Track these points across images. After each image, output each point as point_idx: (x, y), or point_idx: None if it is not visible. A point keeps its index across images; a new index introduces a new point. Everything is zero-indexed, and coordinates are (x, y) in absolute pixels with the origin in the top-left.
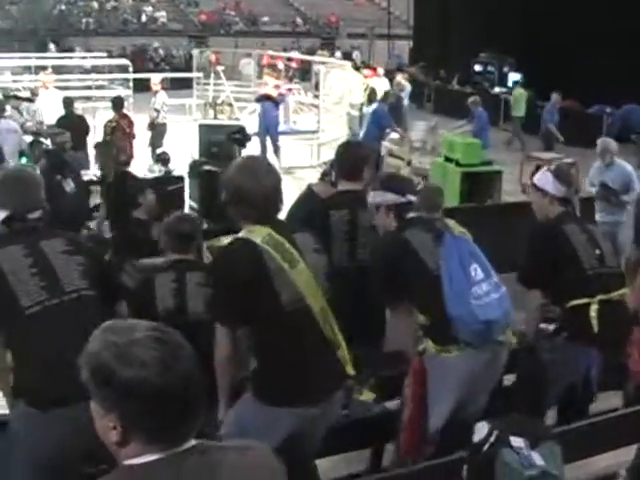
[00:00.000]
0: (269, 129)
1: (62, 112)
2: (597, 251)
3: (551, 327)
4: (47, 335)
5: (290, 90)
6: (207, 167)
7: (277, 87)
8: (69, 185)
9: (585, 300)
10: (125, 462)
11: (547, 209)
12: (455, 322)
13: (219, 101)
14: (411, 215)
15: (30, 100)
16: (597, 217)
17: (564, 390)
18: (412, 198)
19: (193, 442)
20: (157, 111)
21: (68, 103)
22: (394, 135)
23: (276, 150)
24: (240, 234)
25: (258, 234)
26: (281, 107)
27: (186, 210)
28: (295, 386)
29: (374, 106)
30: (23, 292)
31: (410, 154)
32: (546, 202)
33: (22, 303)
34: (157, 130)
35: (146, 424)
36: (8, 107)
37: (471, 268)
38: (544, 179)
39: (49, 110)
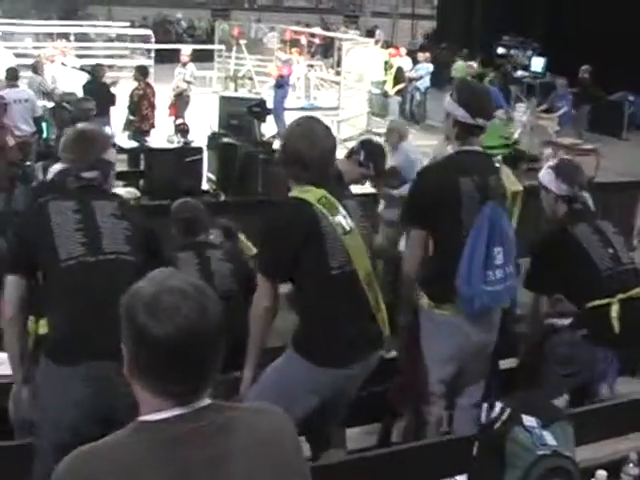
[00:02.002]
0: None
1: (72, 83)
2: (610, 250)
3: (566, 322)
4: (77, 291)
5: (289, 70)
6: (226, 139)
7: (281, 67)
8: None
9: (605, 301)
10: (140, 418)
11: (554, 207)
12: (460, 297)
13: (240, 74)
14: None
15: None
16: None
17: (575, 386)
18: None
19: (207, 401)
20: (188, 83)
21: (97, 70)
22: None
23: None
24: (294, 193)
25: (313, 195)
26: (290, 86)
27: (204, 181)
28: (337, 346)
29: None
30: (63, 246)
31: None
32: (551, 199)
33: (60, 256)
34: (182, 101)
35: (155, 375)
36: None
37: (495, 250)
38: (547, 177)
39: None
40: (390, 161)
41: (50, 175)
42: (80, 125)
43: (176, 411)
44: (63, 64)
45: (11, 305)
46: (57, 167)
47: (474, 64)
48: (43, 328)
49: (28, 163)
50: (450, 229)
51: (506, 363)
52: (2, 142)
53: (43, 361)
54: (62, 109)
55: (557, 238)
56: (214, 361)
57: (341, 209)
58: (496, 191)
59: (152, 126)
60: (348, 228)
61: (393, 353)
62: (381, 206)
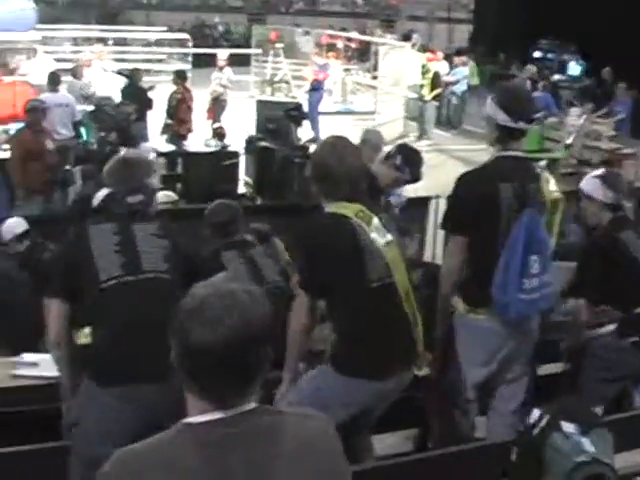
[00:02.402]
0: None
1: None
2: None
3: (610, 328)
4: (117, 311)
5: (325, 75)
6: (263, 143)
7: (317, 72)
8: None
9: None
10: (184, 420)
11: (598, 215)
12: (496, 305)
13: (276, 78)
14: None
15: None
16: None
17: (617, 392)
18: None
19: (252, 405)
20: (224, 87)
21: (135, 74)
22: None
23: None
24: (331, 209)
25: (351, 210)
26: (326, 91)
27: (240, 185)
28: (373, 360)
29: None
30: (103, 267)
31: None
32: (595, 208)
33: (100, 277)
34: (219, 105)
35: (200, 379)
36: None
37: (532, 258)
38: (592, 185)
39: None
40: None
41: (96, 201)
42: (124, 152)
43: (218, 414)
44: (103, 69)
45: (56, 329)
46: (103, 193)
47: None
48: (84, 338)
49: (67, 167)
50: (488, 235)
51: (545, 369)
52: (41, 146)
53: (85, 381)
54: (102, 113)
55: (605, 245)
56: (259, 366)
57: (378, 222)
58: (535, 199)
59: (189, 130)
60: (386, 241)
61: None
62: None
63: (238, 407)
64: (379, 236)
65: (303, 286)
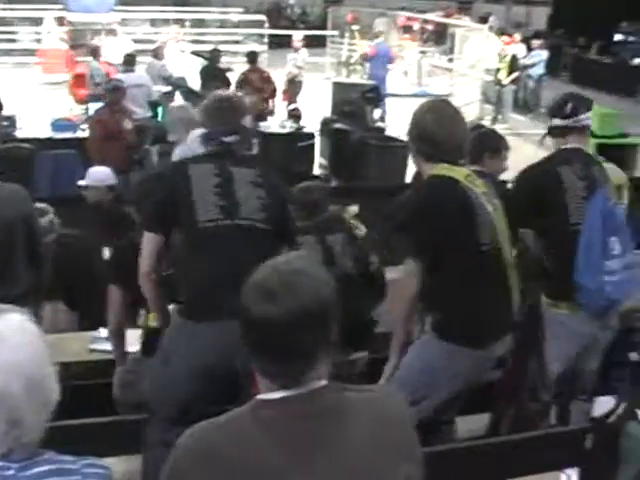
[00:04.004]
0: None
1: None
2: None
3: None
4: (213, 253)
5: (372, 51)
6: (338, 125)
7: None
8: None
9: None
10: (258, 397)
11: None
12: (580, 290)
13: (352, 60)
14: (568, 146)
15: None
16: None
17: None
18: None
19: (322, 382)
20: (300, 68)
21: (214, 55)
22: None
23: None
24: (437, 171)
25: (458, 173)
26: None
27: (316, 167)
28: (479, 326)
29: None
30: (202, 207)
31: None
32: None
33: (198, 217)
34: (295, 86)
35: (266, 356)
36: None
37: (611, 240)
38: None
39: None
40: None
41: (189, 141)
42: (219, 91)
43: (292, 391)
44: (181, 50)
45: (148, 261)
46: (197, 132)
47: None
48: (153, 322)
49: (146, 147)
50: (558, 222)
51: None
52: (120, 126)
53: (176, 317)
54: (191, 93)
55: None
56: (320, 344)
57: (485, 187)
58: (602, 180)
59: (263, 111)
60: (494, 207)
61: None
62: None
63: (304, 385)
64: (487, 201)
65: (413, 253)
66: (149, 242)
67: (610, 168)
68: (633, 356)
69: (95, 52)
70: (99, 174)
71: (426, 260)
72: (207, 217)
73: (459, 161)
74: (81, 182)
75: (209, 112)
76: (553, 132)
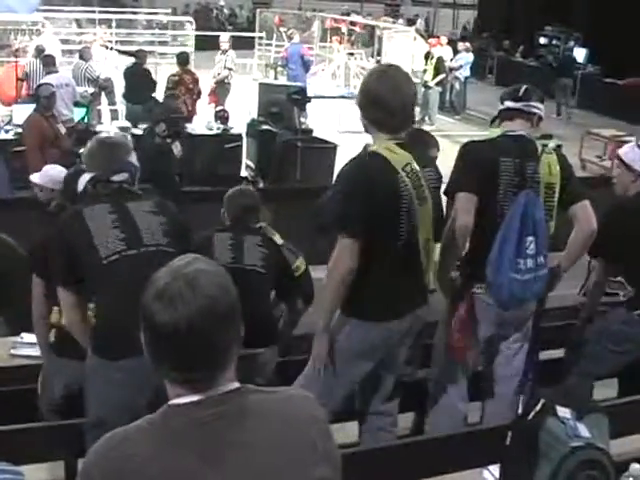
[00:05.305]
0: None
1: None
2: None
3: (621, 297)
4: (122, 284)
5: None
6: (265, 126)
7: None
8: (177, 148)
9: None
10: (169, 402)
11: (628, 185)
12: (490, 284)
13: (280, 62)
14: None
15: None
16: None
17: (626, 364)
18: None
19: (234, 385)
20: (229, 69)
21: (140, 56)
22: None
23: None
24: (377, 148)
25: (399, 160)
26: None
27: (243, 168)
28: (383, 298)
29: None
30: (103, 244)
31: None
32: (629, 177)
33: (101, 254)
34: (223, 88)
35: (163, 361)
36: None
37: (528, 239)
38: (632, 155)
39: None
40: None
41: (81, 185)
42: (98, 135)
43: (196, 397)
44: (106, 48)
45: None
46: (86, 177)
47: None
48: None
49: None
50: (485, 211)
51: (547, 354)
52: (56, 131)
53: (90, 356)
54: (158, 104)
55: (629, 207)
56: (228, 346)
57: (420, 175)
58: (533, 178)
59: (192, 112)
60: (422, 198)
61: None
62: None
63: (215, 389)
64: (416, 195)
65: (345, 228)
66: (38, 290)
67: (549, 164)
68: (554, 353)
69: (39, 51)
70: (56, 176)
71: (359, 239)
72: (110, 251)
73: (408, 128)
74: (35, 179)
75: (94, 155)
76: (503, 114)
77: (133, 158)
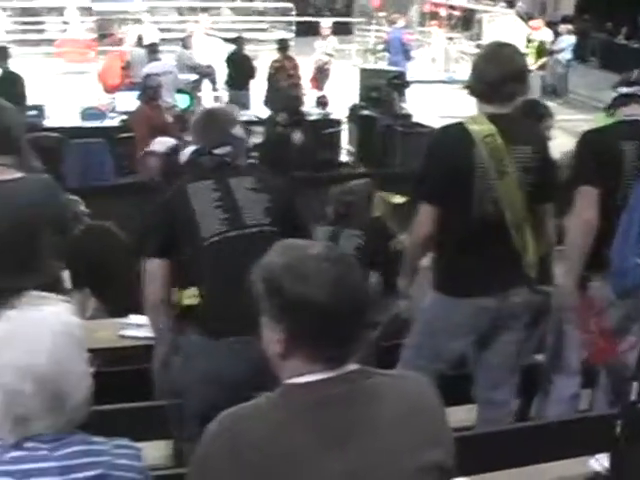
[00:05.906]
0: None
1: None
2: None
3: None
4: (221, 266)
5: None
6: (366, 112)
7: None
8: (297, 136)
9: None
10: (287, 381)
11: None
12: (613, 273)
13: (379, 47)
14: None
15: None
16: None
17: None
18: None
19: (355, 365)
20: (329, 55)
21: (240, 43)
22: None
23: None
24: (464, 120)
25: (481, 131)
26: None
27: (343, 153)
28: (468, 276)
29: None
30: (205, 224)
31: None
32: None
33: (202, 234)
34: (323, 74)
35: (309, 340)
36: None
37: None
38: None
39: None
40: None
41: (184, 157)
42: (206, 107)
43: (324, 374)
44: (207, 36)
45: (156, 291)
46: (190, 149)
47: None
48: (188, 299)
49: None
50: (608, 195)
51: None
52: (163, 120)
53: (192, 335)
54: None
55: None
56: (363, 324)
57: (504, 153)
58: None
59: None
60: (500, 173)
61: None
62: None
63: (342, 367)
64: (495, 167)
65: (424, 196)
66: (155, 270)
67: None
68: None
69: (140, 39)
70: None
71: (435, 205)
72: (212, 232)
73: (510, 102)
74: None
75: (198, 127)
76: (617, 101)
77: (239, 131)
